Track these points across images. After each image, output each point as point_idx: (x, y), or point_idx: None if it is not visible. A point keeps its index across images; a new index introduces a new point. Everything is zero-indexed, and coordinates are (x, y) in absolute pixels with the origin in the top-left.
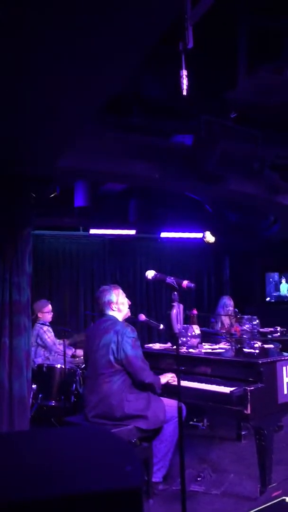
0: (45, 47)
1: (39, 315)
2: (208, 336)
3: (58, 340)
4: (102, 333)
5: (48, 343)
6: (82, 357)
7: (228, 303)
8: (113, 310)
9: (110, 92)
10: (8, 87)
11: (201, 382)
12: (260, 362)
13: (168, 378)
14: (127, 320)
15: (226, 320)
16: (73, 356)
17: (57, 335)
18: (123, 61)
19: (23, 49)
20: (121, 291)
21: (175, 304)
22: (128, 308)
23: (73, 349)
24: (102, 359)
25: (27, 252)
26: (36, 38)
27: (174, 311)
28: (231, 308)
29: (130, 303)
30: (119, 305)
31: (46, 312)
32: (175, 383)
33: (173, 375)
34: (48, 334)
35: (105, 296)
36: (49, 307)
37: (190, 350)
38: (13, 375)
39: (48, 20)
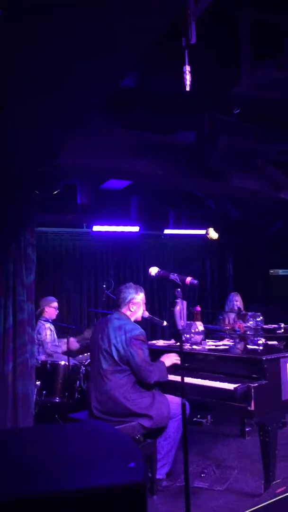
0: (49, 41)
1: (46, 309)
2: (211, 333)
3: (57, 340)
4: (111, 329)
5: (45, 340)
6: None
7: (233, 299)
8: (131, 310)
9: (112, 86)
10: (11, 84)
11: (205, 378)
12: (264, 358)
13: (172, 360)
14: None
15: (231, 317)
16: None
17: (61, 332)
18: (127, 52)
19: (26, 43)
20: (143, 294)
21: (178, 300)
22: (143, 314)
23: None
24: (108, 357)
25: (25, 260)
26: (38, 29)
27: (178, 307)
28: (237, 304)
29: (145, 309)
30: (136, 306)
31: (53, 308)
32: (178, 361)
33: (175, 354)
34: (46, 331)
35: (127, 293)
36: (56, 304)
37: (194, 346)
38: (17, 375)
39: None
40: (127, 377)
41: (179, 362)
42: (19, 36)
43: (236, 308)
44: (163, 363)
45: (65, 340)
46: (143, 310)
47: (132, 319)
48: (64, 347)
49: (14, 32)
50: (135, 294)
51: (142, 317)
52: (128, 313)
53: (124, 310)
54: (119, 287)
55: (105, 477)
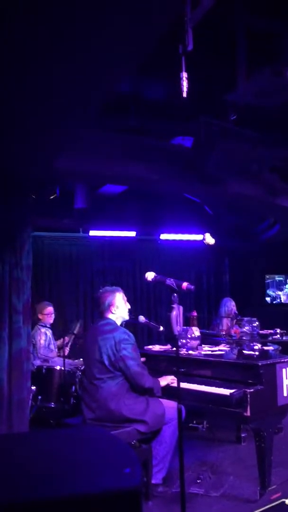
0: (43, 49)
1: (40, 316)
2: (207, 338)
3: (54, 343)
4: (100, 338)
5: (38, 343)
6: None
7: (230, 304)
8: (113, 313)
9: (107, 94)
10: (5, 91)
11: (201, 384)
12: (259, 364)
13: (168, 380)
14: (126, 322)
15: (227, 322)
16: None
17: (57, 336)
18: (120, 64)
19: (19, 53)
20: (122, 294)
21: (174, 305)
22: (128, 312)
23: (56, 350)
24: (99, 364)
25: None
26: (32, 40)
27: (174, 312)
28: (233, 309)
29: (130, 307)
30: (119, 308)
31: (46, 314)
32: (175, 385)
33: (173, 377)
34: (41, 336)
35: (106, 298)
36: (49, 309)
37: (190, 352)
38: (13, 378)
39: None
40: (121, 383)
41: (174, 384)
42: (17, 41)
43: (233, 313)
44: (158, 381)
45: (59, 341)
46: (139, 316)
47: (119, 321)
48: (56, 351)
49: (14, 36)
50: (113, 296)
51: (139, 322)
52: (112, 316)
53: (107, 314)
54: (96, 295)
55: (100, 483)
